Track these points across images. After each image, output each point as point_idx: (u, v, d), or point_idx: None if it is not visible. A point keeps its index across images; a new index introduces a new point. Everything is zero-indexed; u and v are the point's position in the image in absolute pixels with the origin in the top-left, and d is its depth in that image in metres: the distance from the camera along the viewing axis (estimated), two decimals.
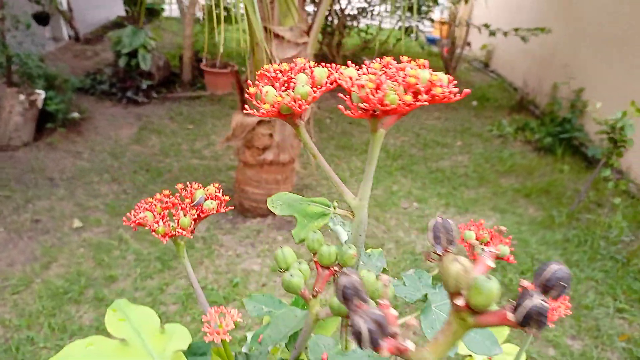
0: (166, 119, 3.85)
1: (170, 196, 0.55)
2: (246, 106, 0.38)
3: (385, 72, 0.35)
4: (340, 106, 0.34)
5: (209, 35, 4.79)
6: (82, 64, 4.87)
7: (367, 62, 0.36)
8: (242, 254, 2.31)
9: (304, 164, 3.11)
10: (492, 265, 0.27)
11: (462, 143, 3.85)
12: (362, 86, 0.34)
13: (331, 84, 0.38)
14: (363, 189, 0.40)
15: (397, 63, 0.36)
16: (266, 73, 0.38)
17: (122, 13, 6.03)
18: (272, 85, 0.37)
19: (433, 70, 0.35)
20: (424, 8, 5.13)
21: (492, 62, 5.88)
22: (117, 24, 6.44)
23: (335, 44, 5.07)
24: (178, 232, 0.51)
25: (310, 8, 4.05)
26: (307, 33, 2.27)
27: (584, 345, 1.89)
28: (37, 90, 3.25)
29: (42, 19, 4.98)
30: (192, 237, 0.54)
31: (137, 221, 0.52)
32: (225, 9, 2.17)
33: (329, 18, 4.99)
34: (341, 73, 0.36)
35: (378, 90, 0.33)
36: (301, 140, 0.39)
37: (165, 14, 5.79)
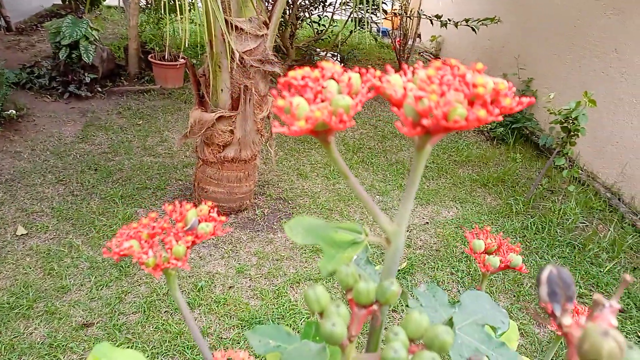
0: (114, 115, 3.64)
1: (158, 219, 0.48)
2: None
3: (441, 79, 0.30)
4: (398, 123, 0.28)
5: (156, 25, 4.57)
6: (17, 56, 4.52)
7: (417, 65, 0.30)
8: (205, 255, 2.21)
9: (263, 159, 3.02)
10: (615, 323, 0.22)
11: None
12: (420, 98, 0.28)
13: (368, 91, 0.32)
14: (401, 212, 0.35)
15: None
16: (292, 81, 0.31)
17: (58, 1, 5.63)
18: (301, 96, 0.31)
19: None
20: None
21: (441, 54, 5.97)
22: (54, 12, 6.03)
23: (288, 35, 4.97)
24: (172, 263, 0.44)
25: None
26: (267, 25, 2.18)
27: (549, 332, 1.94)
28: None
29: None
30: (189, 268, 0.47)
31: (121, 252, 0.44)
32: None
33: None
34: (388, 81, 0.30)
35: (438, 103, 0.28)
36: (331, 160, 0.33)
37: (105, 2, 5.46)
